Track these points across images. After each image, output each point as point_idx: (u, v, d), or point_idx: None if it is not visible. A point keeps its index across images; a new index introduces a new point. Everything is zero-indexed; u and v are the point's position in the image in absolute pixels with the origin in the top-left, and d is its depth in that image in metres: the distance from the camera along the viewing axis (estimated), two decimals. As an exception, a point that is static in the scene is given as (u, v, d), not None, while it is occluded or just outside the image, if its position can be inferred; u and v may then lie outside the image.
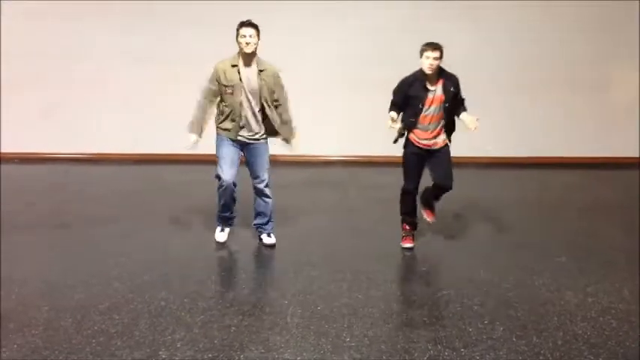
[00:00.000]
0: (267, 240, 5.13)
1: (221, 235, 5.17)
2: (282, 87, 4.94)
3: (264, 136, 4.95)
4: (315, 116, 8.31)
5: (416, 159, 4.86)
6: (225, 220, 5.15)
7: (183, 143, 4.88)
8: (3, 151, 8.37)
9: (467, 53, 7.85)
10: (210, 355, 3.33)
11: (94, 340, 3.48)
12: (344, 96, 8.20)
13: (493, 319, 3.77)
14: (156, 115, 8.29)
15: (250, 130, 4.86)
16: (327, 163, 8.31)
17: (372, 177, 7.61)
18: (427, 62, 4.63)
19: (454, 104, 4.80)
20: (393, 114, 4.75)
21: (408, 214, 5.08)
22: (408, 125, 4.80)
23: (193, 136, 4.88)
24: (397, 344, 3.48)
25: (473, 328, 3.64)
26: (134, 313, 3.82)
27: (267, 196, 5.06)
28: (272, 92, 4.87)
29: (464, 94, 4.87)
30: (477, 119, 4.72)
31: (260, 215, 5.14)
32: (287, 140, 5.06)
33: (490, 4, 8.17)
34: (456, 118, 4.86)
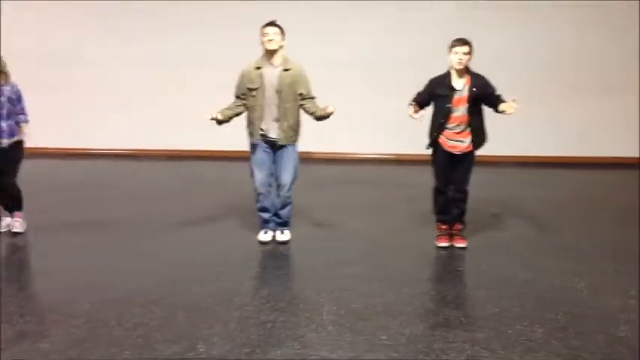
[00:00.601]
0: (280, 237, 5.15)
1: (264, 235, 5.18)
2: (307, 82, 4.94)
3: (291, 137, 4.95)
4: (348, 114, 8.31)
5: (444, 158, 4.85)
6: (264, 222, 5.17)
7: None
8: (41, 146, 8.49)
9: (504, 53, 7.77)
10: (246, 350, 3.36)
11: (134, 333, 3.54)
12: (377, 94, 8.18)
13: (532, 320, 3.71)
14: (190, 112, 8.37)
15: (275, 131, 4.89)
16: (360, 160, 8.30)
17: (405, 175, 7.58)
18: (456, 57, 4.62)
19: (488, 102, 4.75)
20: (411, 108, 4.75)
21: (441, 213, 5.05)
22: (438, 127, 4.77)
23: (213, 113, 4.87)
24: (433, 344, 3.45)
25: (511, 330, 3.59)
26: (172, 308, 3.88)
27: (286, 204, 5.09)
28: (297, 90, 4.87)
29: (498, 92, 4.81)
30: (513, 100, 4.62)
31: (277, 216, 5.16)
32: (322, 117, 4.95)
33: (524, 4, 8.06)
34: (492, 114, 4.81)
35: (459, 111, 4.70)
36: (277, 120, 4.87)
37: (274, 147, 4.96)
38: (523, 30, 8.14)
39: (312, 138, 8.47)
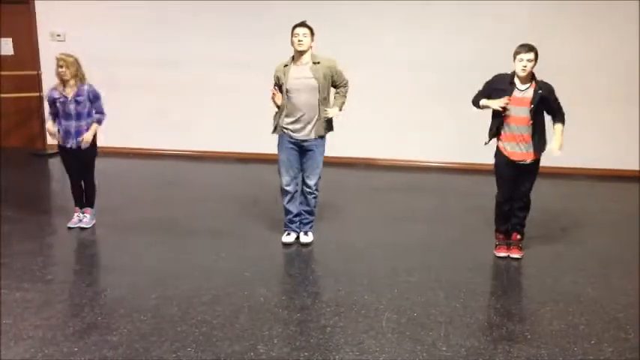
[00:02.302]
0: (304, 238, 5.17)
1: (287, 237, 5.21)
2: (340, 72, 4.95)
3: (319, 135, 4.94)
4: (413, 122, 8.24)
5: (505, 167, 4.77)
6: (289, 223, 5.21)
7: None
8: (114, 146, 8.73)
9: (580, 60, 7.53)
10: (305, 354, 3.38)
11: (197, 330, 3.63)
12: (443, 102, 8.05)
13: (600, 339, 3.58)
14: (257, 116, 8.46)
15: (301, 129, 4.91)
16: (425, 168, 8.20)
17: (470, 184, 7.43)
18: (520, 64, 4.54)
19: (546, 108, 4.65)
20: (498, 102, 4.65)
21: (501, 223, 4.96)
22: (496, 125, 4.71)
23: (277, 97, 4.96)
24: (495, 357, 3.38)
25: (578, 348, 3.47)
26: (234, 307, 3.95)
27: (315, 196, 5.11)
28: (329, 83, 4.89)
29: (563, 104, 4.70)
30: (560, 147, 4.65)
31: (303, 214, 5.17)
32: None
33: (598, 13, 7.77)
34: (551, 128, 4.72)
35: (519, 112, 4.60)
36: (305, 117, 4.87)
37: (301, 144, 4.96)
38: (601, 38, 7.83)
39: (377, 145, 8.48)
